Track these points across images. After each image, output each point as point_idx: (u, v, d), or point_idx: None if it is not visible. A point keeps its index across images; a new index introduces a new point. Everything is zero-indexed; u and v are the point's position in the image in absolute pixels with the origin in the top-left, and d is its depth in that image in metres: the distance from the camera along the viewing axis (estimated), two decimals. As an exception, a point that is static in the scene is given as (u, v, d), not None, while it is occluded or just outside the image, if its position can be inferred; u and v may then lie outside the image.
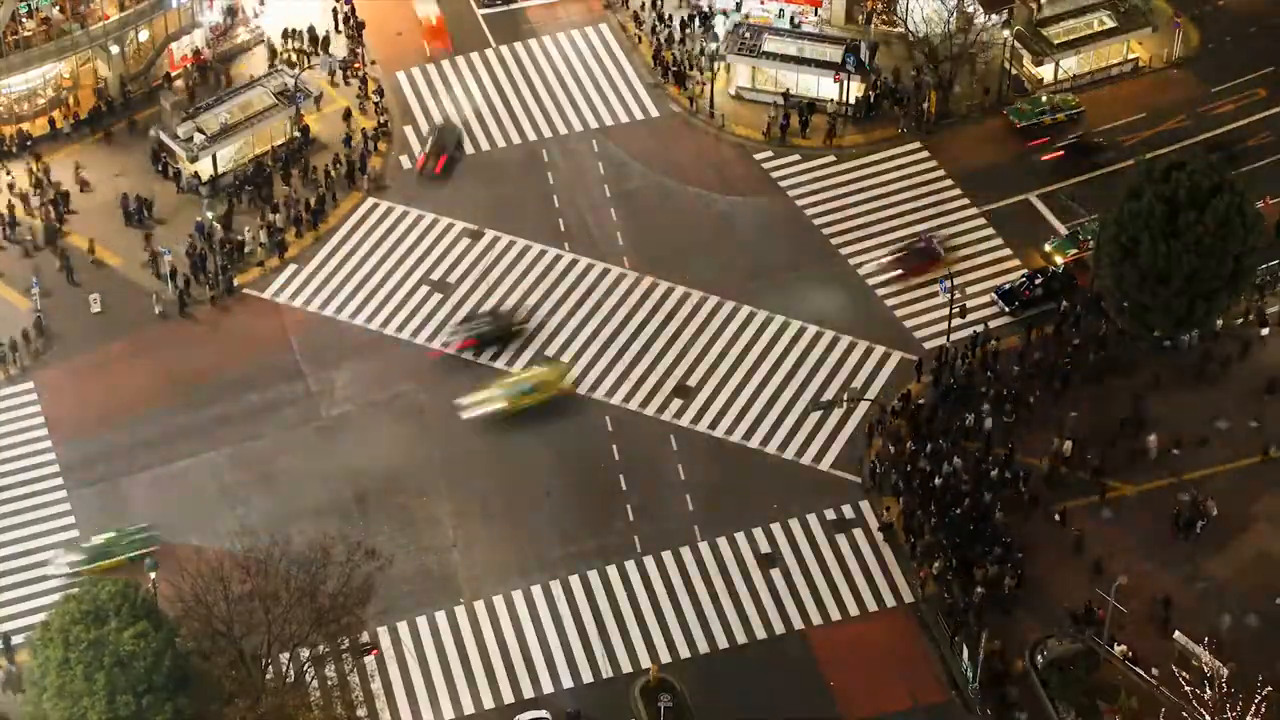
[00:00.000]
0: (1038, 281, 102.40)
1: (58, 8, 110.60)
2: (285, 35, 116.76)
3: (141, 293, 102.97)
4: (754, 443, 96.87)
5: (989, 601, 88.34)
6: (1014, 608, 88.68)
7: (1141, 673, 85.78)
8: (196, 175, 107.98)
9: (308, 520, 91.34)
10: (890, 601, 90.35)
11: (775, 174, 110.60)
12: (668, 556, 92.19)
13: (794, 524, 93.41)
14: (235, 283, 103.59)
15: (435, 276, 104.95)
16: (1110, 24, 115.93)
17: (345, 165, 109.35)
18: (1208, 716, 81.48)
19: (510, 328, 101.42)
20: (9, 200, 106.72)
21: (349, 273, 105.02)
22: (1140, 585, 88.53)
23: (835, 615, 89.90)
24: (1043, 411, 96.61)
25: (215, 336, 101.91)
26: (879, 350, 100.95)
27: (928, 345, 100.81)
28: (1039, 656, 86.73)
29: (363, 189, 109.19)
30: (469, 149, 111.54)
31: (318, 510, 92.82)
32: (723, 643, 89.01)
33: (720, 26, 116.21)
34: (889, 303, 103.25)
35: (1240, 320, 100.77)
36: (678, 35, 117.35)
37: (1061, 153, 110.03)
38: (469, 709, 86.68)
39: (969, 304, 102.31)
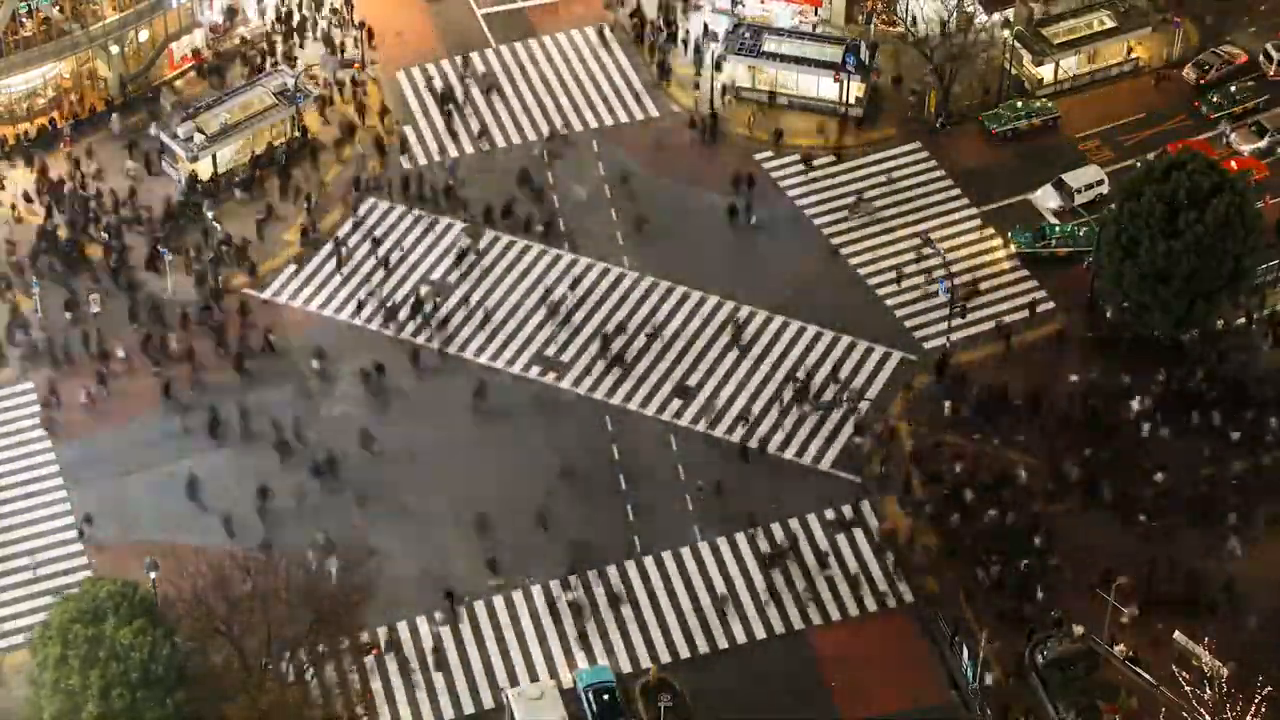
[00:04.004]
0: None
1: (58, 8, 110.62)
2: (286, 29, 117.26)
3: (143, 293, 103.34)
4: (754, 443, 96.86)
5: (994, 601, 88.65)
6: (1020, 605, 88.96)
7: (1141, 672, 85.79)
8: (195, 175, 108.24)
9: (308, 520, 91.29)
10: (890, 601, 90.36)
11: (775, 174, 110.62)
12: (668, 556, 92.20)
13: (794, 524, 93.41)
14: (234, 283, 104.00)
15: (435, 276, 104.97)
16: (1110, 24, 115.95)
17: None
18: (1208, 716, 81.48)
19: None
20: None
21: (349, 273, 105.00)
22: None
23: (835, 615, 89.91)
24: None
25: (215, 336, 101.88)
26: (879, 350, 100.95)
27: (928, 345, 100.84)
28: (1039, 656, 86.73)
29: (362, 189, 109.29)
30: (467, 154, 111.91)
31: (318, 510, 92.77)
32: (723, 643, 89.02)
33: (719, 26, 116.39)
34: (889, 303, 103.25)
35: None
36: (668, 33, 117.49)
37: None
38: (469, 709, 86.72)
39: (968, 304, 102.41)
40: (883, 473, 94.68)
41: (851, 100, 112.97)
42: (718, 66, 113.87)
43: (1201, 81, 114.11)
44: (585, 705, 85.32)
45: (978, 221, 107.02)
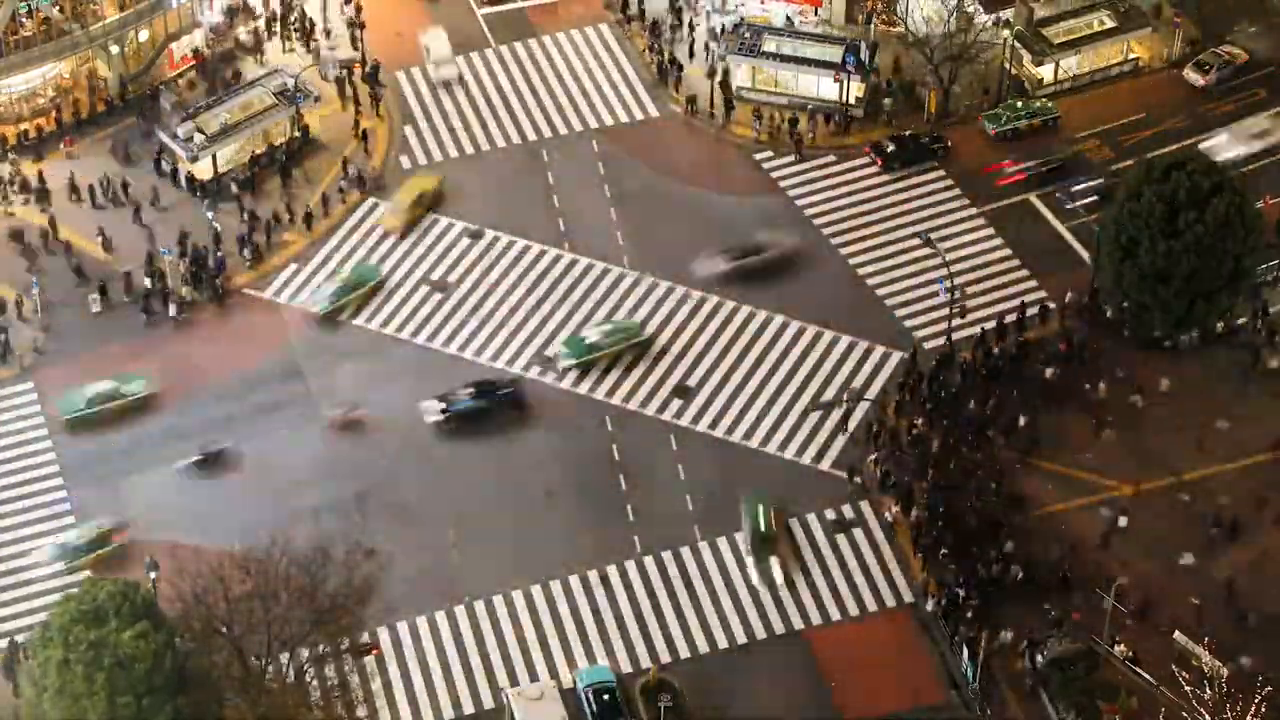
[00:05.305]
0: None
1: (58, 8, 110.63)
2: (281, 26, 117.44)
3: (140, 293, 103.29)
4: (754, 443, 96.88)
5: (990, 599, 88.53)
6: (1015, 605, 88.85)
7: (1141, 672, 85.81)
8: (192, 175, 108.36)
9: (308, 520, 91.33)
10: (890, 601, 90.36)
11: (775, 174, 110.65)
12: (668, 556, 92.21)
13: (794, 524, 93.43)
14: (235, 282, 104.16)
15: (435, 276, 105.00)
16: (1110, 24, 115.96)
17: (352, 170, 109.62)
18: (1208, 716, 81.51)
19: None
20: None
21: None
22: (1139, 585, 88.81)
23: (835, 615, 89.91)
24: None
25: (215, 336, 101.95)
26: (879, 350, 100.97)
27: (928, 345, 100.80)
28: (1039, 656, 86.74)
29: (364, 189, 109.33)
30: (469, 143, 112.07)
31: (318, 510, 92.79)
32: (723, 643, 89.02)
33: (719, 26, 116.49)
34: (889, 303, 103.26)
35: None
36: (667, 34, 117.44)
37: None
38: (469, 709, 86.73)
39: (968, 304, 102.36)
40: (883, 472, 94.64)
41: (851, 100, 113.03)
42: (713, 71, 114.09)
43: (1203, 81, 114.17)
44: (585, 705, 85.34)
45: (989, 230, 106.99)
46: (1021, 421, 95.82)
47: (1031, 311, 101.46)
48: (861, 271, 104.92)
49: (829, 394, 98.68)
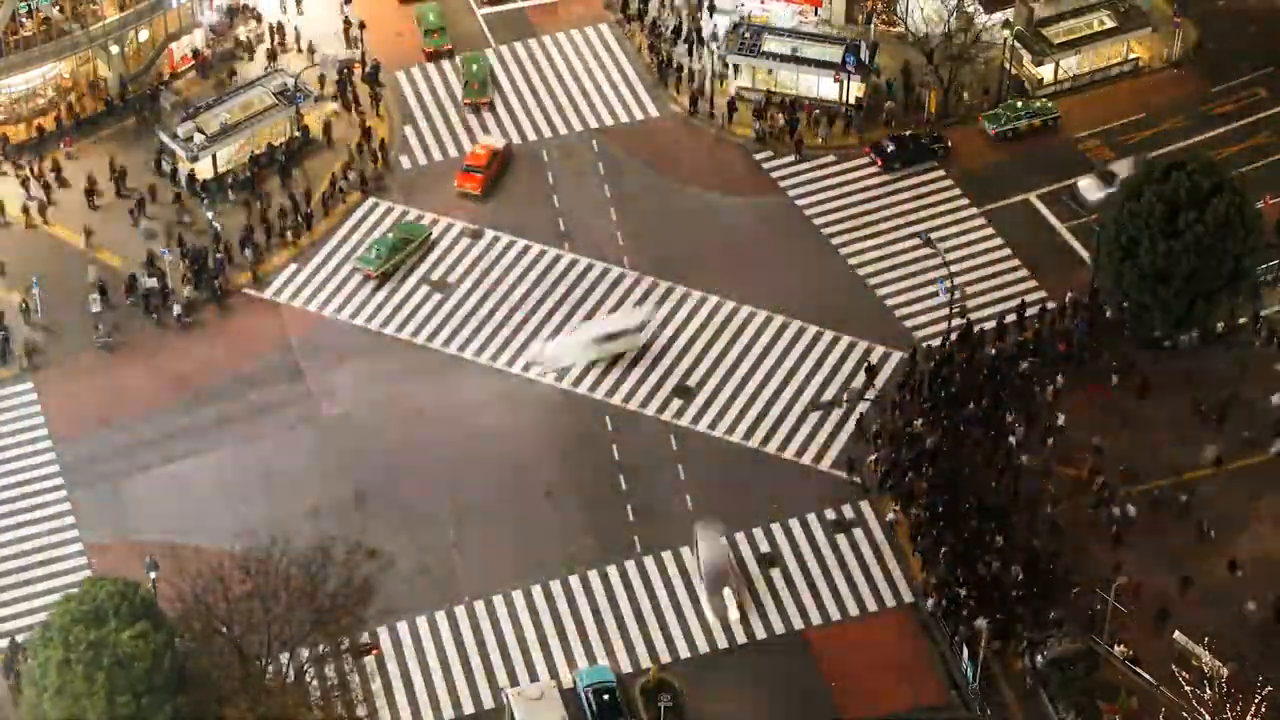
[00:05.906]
0: None
1: (58, 8, 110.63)
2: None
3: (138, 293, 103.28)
4: (754, 443, 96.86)
5: (989, 599, 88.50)
6: (1016, 605, 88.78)
7: (1141, 672, 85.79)
8: (193, 175, 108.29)
9: (308, 520, 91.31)
10: (890, 602, 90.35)
11: (775, 174, 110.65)
12: (668, 556, 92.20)
13: (794, 524, 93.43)
14: (234, 282, 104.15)
15: (435, 276, 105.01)
16: (1110, 24, 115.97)
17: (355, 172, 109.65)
18: (1208, 716, 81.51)
19: None
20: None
21: (349, 273, 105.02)
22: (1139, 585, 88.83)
23: (835, 615, 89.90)
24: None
25: (215, 336, 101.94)
26: (879, 350, 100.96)
27: (927, 346, 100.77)
28: (1039, 656, 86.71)
29: (367, 189, 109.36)
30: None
31: (318, 510, 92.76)
32: (722, 643, 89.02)
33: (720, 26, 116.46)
34: (889, 303, 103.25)
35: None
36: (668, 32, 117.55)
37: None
38: (469, 709, 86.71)
39: (968, 304, 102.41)
40: (883, 472, 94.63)
41: (851, 100, 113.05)
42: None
43: None
44: (585, 705, 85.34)
45: (989, 230, 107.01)
46: (1019, 422, 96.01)
47: (1031, 311, 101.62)
48: (861, 272, 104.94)
49: (829, 394, 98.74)
